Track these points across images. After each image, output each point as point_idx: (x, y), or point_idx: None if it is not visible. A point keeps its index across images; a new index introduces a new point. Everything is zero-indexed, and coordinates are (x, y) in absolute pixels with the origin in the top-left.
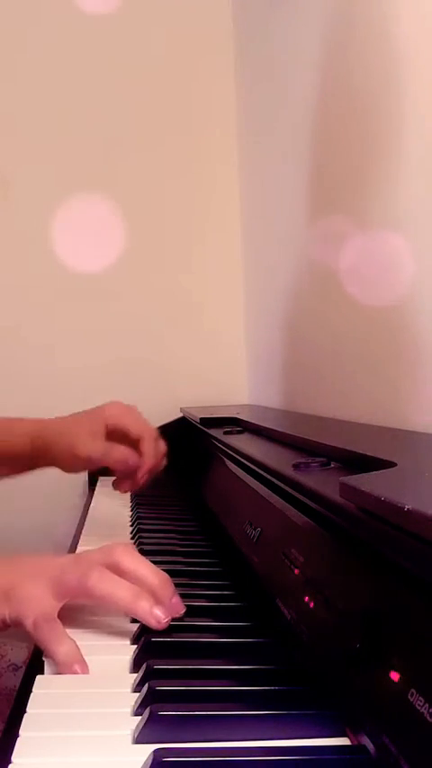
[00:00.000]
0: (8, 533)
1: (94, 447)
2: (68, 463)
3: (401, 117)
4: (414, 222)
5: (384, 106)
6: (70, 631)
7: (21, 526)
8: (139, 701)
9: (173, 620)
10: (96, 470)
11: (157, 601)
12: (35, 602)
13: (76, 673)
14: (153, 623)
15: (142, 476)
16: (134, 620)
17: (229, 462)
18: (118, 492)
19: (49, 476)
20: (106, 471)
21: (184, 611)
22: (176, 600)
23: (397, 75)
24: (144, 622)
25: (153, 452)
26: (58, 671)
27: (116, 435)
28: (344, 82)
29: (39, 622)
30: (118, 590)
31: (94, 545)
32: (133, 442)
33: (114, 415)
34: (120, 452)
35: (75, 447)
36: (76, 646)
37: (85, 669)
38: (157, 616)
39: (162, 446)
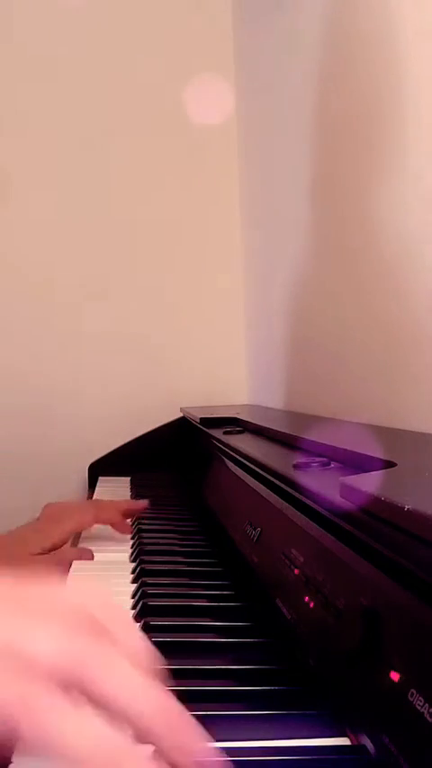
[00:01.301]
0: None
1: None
2: None
3: (403, 119)
4: (413, 222)
5: (386, 108)
6: None
7: (19, 524)
8: None
9: (173, 620)
10: (96, 473)
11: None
12: None
13: None
14: None
15: (126, 531)
16: (135, 620)
17: (229, 462)
18: (117, 491)
19: (49, 475)
20: (106, 471)
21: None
22: (193, 734)
23: (399, 79)
24: None
25: (113, 514)
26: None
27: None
28: (345, 84)
29: None
30: (68, 735)
31: (93, 544)
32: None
33: (57, 535)
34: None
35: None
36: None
37: None
38: None
39: (107, 503)
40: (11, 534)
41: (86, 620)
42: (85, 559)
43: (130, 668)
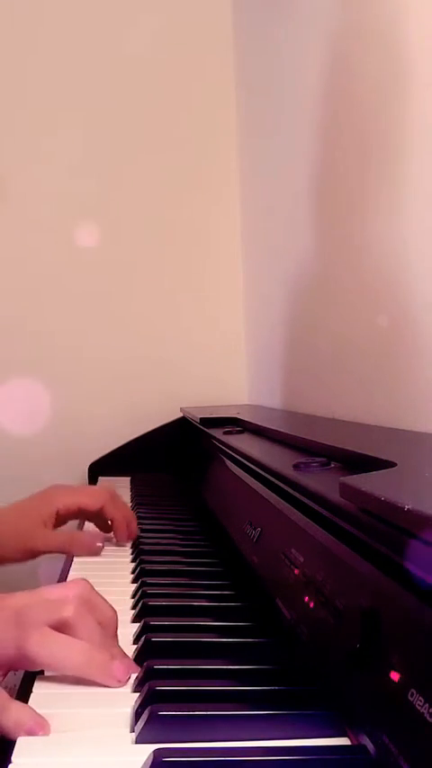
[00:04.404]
0: None
1: (53, 541)
2: (20, 557)
3: (405, 122)
4: (412, 221)
5: (387, 110)
6: None
7: None
8: (139, 701)
9: (172, 620)
10: (96, 473)
11: (117, 654)
12: None
13: (35, 734)
14: (113, 684)
15: (122, 537)
16: (135, 620)
17: (229, 462)
18: (117, 491)
19: (49, 475)
20: (106, 471)
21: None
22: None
23: (401, 82)
24: (104, 684)
25: (120, 513)
26: (14, 737)
27: (70, 514)
28: (345, 86)
29: None
30: (65, 654)
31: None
32: (93, 513)
33: (63, 499)
34: (82, 542)
35: (31, 540)
36: (26, 707)
37: (46, 728)
38: (116, 675)
39: (121, 501)
40: (15, 507)
41: (76, 597)
42: (96, 546)
43: (95, 627)
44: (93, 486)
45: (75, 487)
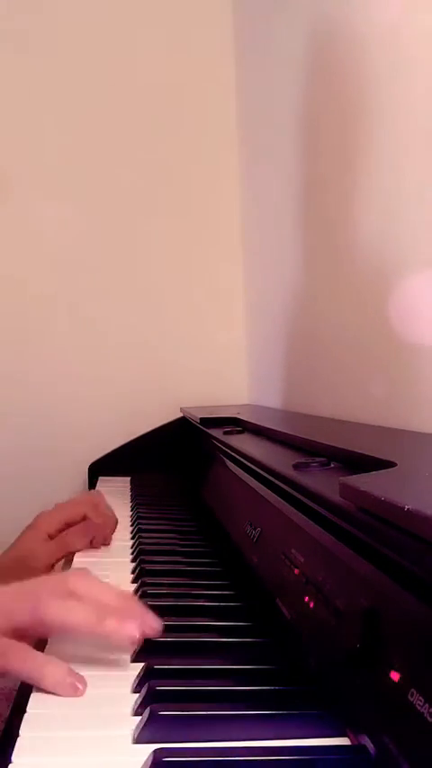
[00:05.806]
0: (5, 532)
1: (49, 553)
2: None
3: (396, 117)
4: (409, 217)
5: (381, 109)
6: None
7: (18, 524)
8: (139, 701)
9: (172, 620)
10: (96, 473)
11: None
12: None
13: (77, 691)
14: (125, 641)
15: (97, 542)
16: None
17: (229, 462)
18: (117, 491)
19: (49, 475)
20: (106, 471)
21: (160, 627)
22: (150, 616)
23: (394, 78)
24: (115, 642)
25: (100, 520)
26: (56, 693)
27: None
28: (339, 84)
29: (2, 649)
30: (76, 613)
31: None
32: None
33: (50, 524)
34: (76, 536)
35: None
36: (59, 662)
37: (82, 685)
38: (129, 631)
39: (104, 508)
40: (16, 548)
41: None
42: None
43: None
44: (76, 499)
45: (57, 507)
